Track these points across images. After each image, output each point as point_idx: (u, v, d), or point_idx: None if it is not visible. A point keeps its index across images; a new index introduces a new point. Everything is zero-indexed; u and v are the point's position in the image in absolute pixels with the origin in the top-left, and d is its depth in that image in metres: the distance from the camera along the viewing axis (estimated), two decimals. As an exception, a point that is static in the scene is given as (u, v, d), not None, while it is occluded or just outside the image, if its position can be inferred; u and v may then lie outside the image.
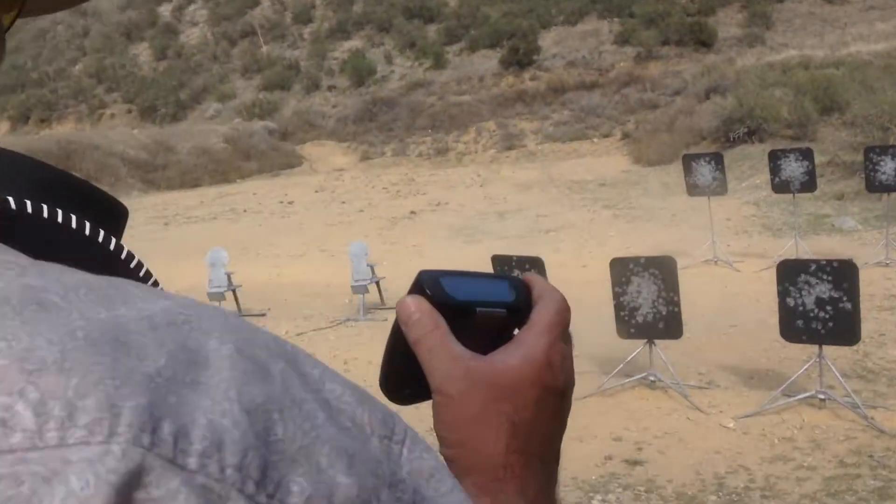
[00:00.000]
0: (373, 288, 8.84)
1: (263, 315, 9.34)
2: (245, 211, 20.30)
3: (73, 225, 0.42)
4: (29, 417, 0.21)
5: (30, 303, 0.24)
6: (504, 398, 0.46)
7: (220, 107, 40.27)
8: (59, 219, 0.44)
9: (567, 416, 0.51)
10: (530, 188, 20.04)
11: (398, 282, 10.28)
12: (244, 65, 42.81)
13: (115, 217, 0.55)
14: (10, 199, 0.40)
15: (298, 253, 13.52)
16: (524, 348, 0.48)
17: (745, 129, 19.69)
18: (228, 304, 9.23)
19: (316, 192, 23.29)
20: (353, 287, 8.54)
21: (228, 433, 0.24)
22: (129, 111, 41.82)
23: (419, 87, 35.23)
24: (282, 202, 21.42)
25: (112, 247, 0.45)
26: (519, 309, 0.51)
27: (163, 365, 0.24)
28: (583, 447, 5.04)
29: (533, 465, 0.47)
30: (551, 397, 0.48)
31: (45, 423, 0.21)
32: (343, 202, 20.48)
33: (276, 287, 11.13)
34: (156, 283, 0.47)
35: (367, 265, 8.78)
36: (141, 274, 0.46)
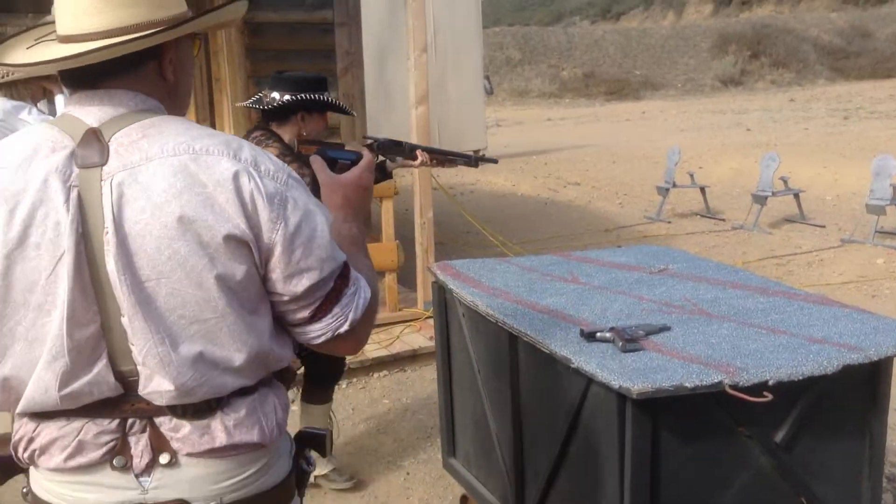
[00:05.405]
0: None
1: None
2: (946, 108, 17.63)
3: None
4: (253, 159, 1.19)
5: (224, 141, 1.17)
6: (344, 189, 1.42)
7: (941, -17, 35.06)
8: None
9: (368, 201, 1.46)
10: None
11: None
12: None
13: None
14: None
15: None
16: (351, 174, 1.44)
17: None
18: (890, 220, 8.30)
19: None
20: None
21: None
22: (833, -8, 39.59)
23: None
24: None
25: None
26: (357, 162, 1.48)
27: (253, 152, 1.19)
28: None
29: (353, 215, 1.41)
30: (360, 191, 1.43)
31: (254, 160, 1.17)
32: None
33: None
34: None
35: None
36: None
